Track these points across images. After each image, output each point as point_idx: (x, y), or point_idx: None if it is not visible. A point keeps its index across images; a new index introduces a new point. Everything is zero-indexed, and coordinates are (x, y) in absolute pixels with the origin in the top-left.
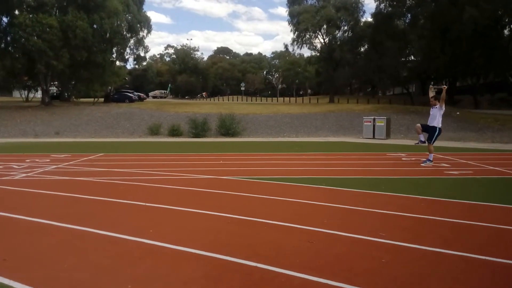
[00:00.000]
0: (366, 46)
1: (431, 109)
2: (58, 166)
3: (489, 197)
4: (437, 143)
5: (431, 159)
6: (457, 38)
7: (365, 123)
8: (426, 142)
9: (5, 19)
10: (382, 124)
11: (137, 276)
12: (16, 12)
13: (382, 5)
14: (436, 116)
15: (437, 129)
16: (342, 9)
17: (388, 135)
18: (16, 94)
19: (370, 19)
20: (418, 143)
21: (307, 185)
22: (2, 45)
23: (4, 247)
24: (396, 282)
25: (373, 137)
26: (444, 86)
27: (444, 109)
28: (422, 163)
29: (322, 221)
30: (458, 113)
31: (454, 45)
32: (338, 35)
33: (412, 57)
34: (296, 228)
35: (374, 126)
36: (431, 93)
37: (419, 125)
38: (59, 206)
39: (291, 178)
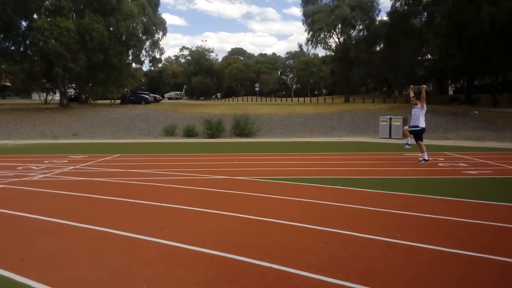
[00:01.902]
0: (381, 45)
1: (413, 109)
2: (76, 167)
3: (509, 197)
4: (456, 143)
5: (426, 158)
6: (475, 36)
7: (381, 123)
8: (416, 142)
9: (24, 23)
10: (399, 123)
11: (151, 276)
12: (35, 16)
13: (397, 4)
14: (419, 116)
15: (420, 128)
16: (357, 8)
17: (405, 135)
18: (35, 96)
19: (385, 18)
20: (404, 146)
21: (322, 186)
22: (21, 49)
23: (23, 247)
24: (413, 284)
25: (390, 137)
26: (423, 86)
27: (425, 108)
28: (418, 161)
29: (337, 222)
30: (476, 112)
31: (471, 43)
32: (353, 34)
33: (429, 56)
34: (311, 229)
35: (390, 125)
36: (412, 93)
37: (407, 127)
38: (76, 206)
39: (305, 178)
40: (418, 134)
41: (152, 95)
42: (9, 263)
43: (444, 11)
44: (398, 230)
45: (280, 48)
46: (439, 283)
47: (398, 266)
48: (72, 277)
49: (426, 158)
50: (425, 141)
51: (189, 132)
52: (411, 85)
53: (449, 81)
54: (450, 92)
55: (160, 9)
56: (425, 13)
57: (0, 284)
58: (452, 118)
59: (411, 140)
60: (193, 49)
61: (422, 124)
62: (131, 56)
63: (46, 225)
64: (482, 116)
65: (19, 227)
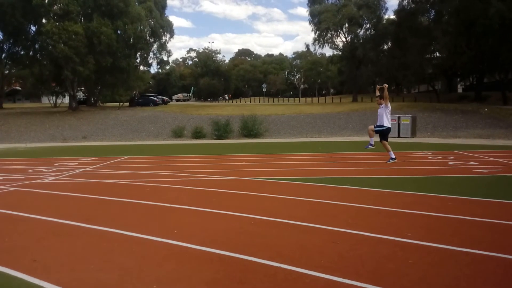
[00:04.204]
0: (389, 44)
1: (378, 109)
2: (86, 169)
3: None
4: (466, 141)
5: (393, 157)
6: (483, 33)
7: None
8: (381, 142)
9: (33, 28)
10: (408, 122)
11: (161, 277)
12: (44, 20)
13: (405, 2)
14: (383, 115)
15: (385, 127)
16: (364, 7)
17: (414, 134)
18: (45, 100)
19: (392, 16)
20: (368, 147)
21: (331, 185)
22: (31, 53)
23: (34, 248)
24: (423, 283)
25: (399, 136)
26: (385, 84)
27: (390, 107)
28: (387, 161)
29: (347, 221)
30: (486, 109)
31: (480, 40)
32: (360, 33)
33: (437, 54)
34: (320, 229)
35: (399, 124)
36: (377, 93)
37: (372, 127)
38: (86, 208)
39: (314, 178)
40: (382, 134)
41: (160, 97)
42: (21, 265)
43: (452, 8)
44: (408, 229)
45: (287, 49)
46: (450, 282)
47: (408, 265)
48: (83, 278)
49: (393, 156)
50: (434, 139)
51: (197, 134)
52: (378, 85)
53: (458, 79)
54: (459, 90)
55: (166, 12)
56: (433, 11)
57: (13, 285)
58: (462, 116)
59: (374, 140)
60: (200, 50)
61: (386, 123)
62: (139, 59)
63: (57, 227)
64: (492, 113)
65: (30, 229)
